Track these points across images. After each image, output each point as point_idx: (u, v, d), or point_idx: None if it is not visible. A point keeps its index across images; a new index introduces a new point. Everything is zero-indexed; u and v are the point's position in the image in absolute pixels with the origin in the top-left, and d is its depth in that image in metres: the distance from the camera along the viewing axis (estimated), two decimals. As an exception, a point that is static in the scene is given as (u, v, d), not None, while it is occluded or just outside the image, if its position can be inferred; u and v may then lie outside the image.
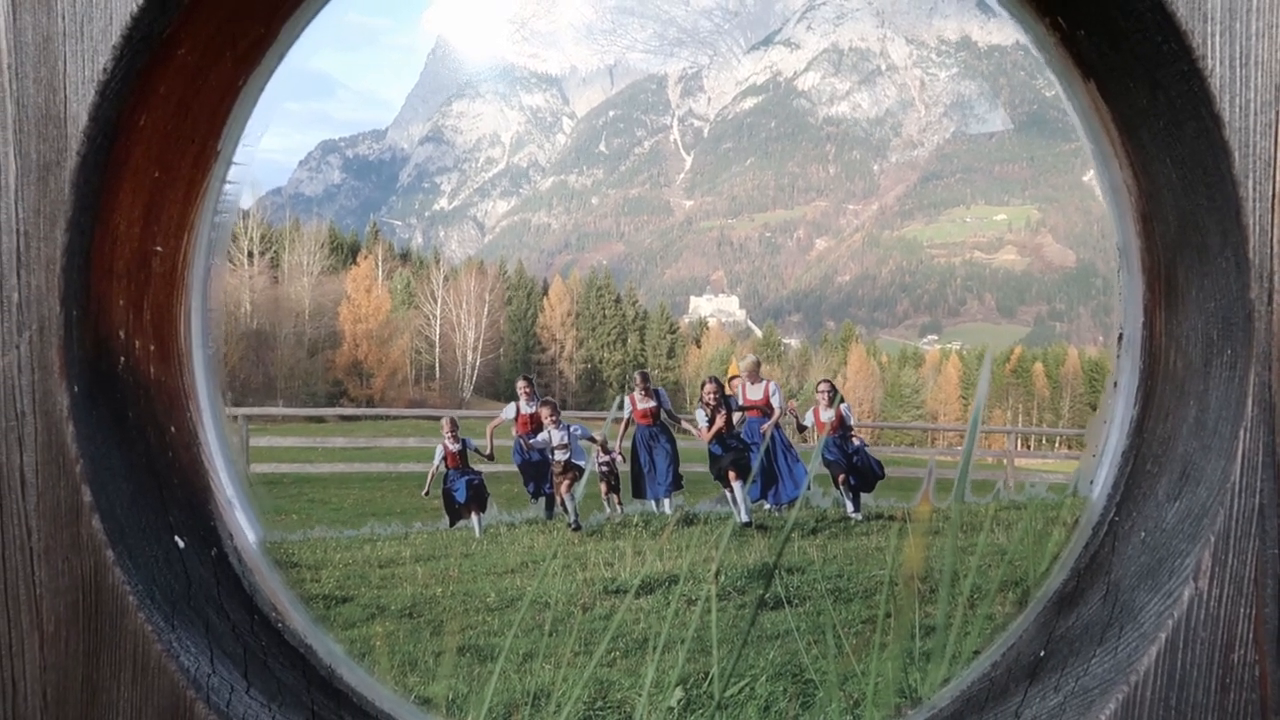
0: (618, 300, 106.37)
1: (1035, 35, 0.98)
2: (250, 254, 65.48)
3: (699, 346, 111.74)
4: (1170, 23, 0.80)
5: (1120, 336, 1.02)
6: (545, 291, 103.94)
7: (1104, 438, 1.03)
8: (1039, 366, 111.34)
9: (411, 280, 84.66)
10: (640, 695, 3.75)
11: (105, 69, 0.85)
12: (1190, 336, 0.90)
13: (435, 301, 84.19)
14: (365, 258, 78.02)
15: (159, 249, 1.00)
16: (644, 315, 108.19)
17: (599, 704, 3.81)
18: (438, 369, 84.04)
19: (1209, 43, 0.80)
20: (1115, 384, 1.03)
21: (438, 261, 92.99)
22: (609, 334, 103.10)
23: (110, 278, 0.94)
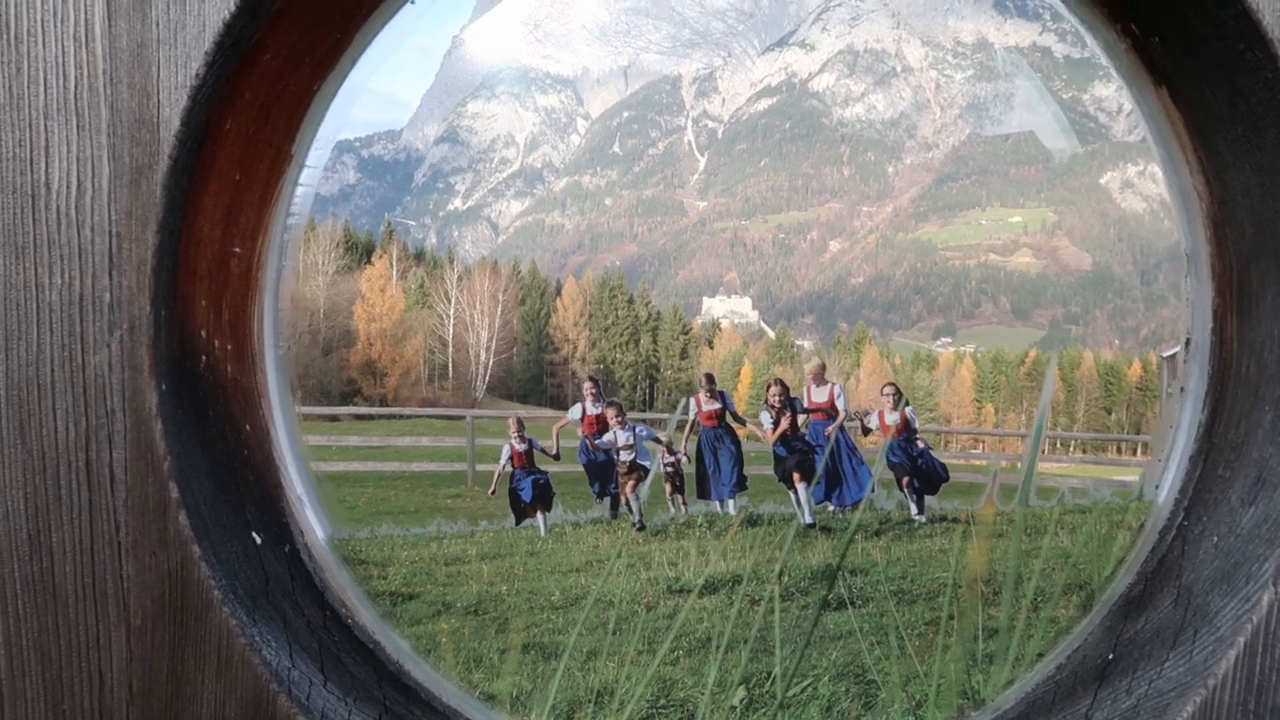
0: (631, 301, 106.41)
1: (1104, 41, 0.99)
2: (266, 253, 65.68)
3: (711, 348, 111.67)
4: (1255, 30, 0.80)
5: (1188, 342, 1.03)
6: (559, 292, 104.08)
7: (1170, 442, 1.03)
8: (1054, 370, 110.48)
9: (426, 280, 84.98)
10: (703, 694, 3.76)
11: (198, 74, 0.87)
12: (1266, 342, 0.90)
13: (449, 301, 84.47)
14: (380, 257, 78.38)
15: (237, 250, 1.01)
16: (657, 316, 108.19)
17: (662, 702, 3.82)
18: (451, 368, 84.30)
19: None
20: (1182, 389, 1.03)
21: (452, 261, 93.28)
22: (622, 334, 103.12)
23: (194, 278, 0.96)
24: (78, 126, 0.87)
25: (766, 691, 3.55)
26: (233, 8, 0.87)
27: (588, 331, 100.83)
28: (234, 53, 0.89)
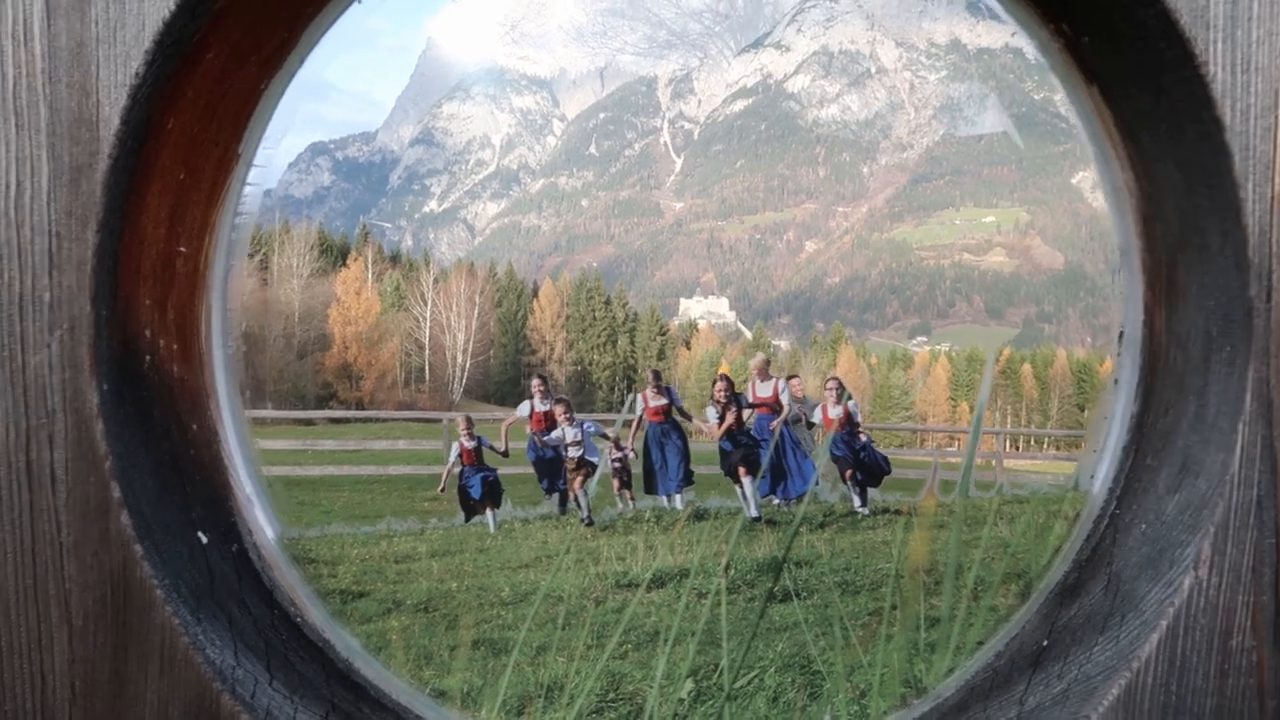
0: (608, 302, 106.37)
1: (1039, 40, 1.01)
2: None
3: (689, 348, 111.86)
4: (1174, 29, 0.83)
5: (1121, 335, 1.05)
6: (535, 293, 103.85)
7: (1104, 433, 1.05)
8: (1027, 368, 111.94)
9: (401, 282, 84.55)
10: (651, 687, 3.79)
11: (137, 73, 0.87)
12: (1190, 334, 0.93)
13: (425, 304, 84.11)
14: (355, 260, 77.82)
15: (183, 250, 1.01)
16: (634, 317, 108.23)
17: (611, 696, 3.84)
18: (427, 371, 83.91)
19: (1211, 49, 0.82)
20: (1116, 381, 1.05)
21: (428, 264, 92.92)
22: (599, 336, 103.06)
23: (137, 278, 0.95)
24: (16, 126, 0.87)
25: (714, 683, 3.59)
26: (173, 6, 0.87)
27: (565, 333, 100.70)
28: (175, 51, 0.89)
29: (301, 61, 1.07)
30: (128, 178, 0.90)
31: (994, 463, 26.37)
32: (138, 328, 0.96)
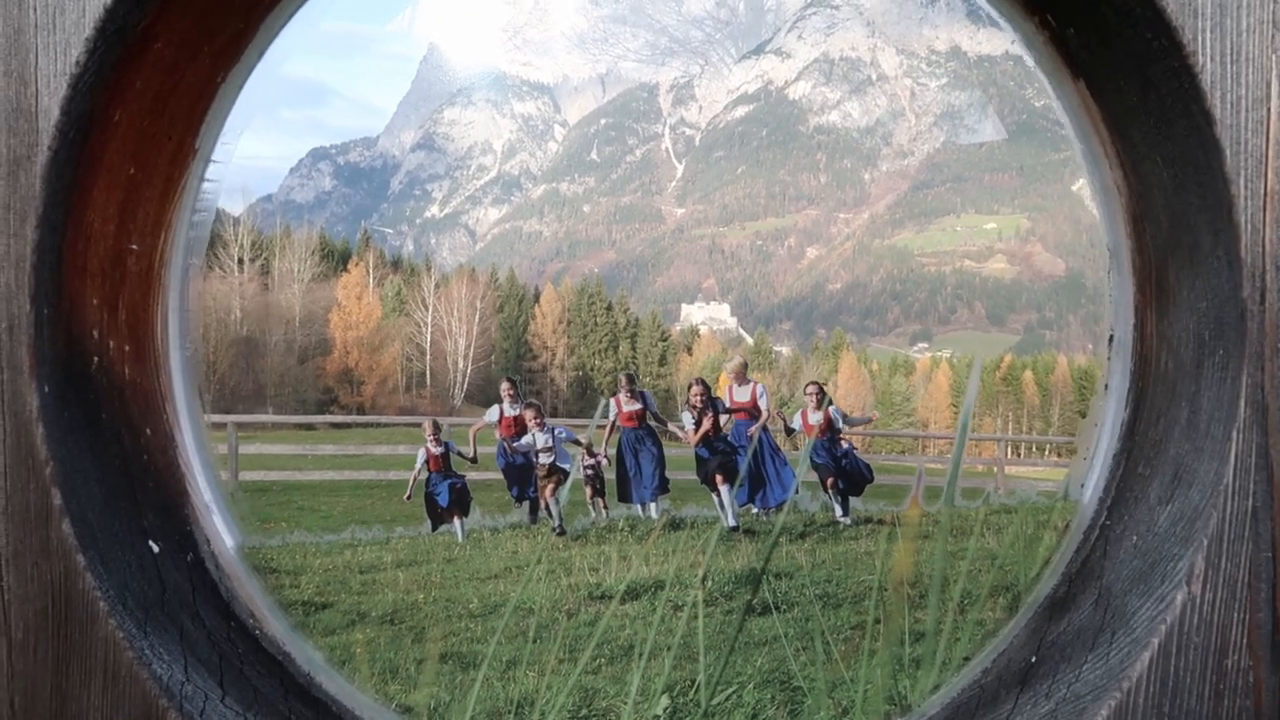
0: (609, 308, 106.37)
1: (1024, 34, 0.97)
2: (240, 261, 65.37)
3: (690, 354, 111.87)
4: (1161, 18, 0.79)
5: (1111, 339, 1.01)
6: (537, 299, 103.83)
7: (1094, 441, 1.02)
8: (1028, 374, 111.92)
9: (403, 287, 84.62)
10: (625, 703, 3.73)
11: (78, 62, 0.84)
12: (1182, 337, 0.89)
13: (426, 309, 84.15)
14: (356, 265, 77.88)
15: (135, 247, 0.98)
16: (635, 323, 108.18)
17: (583, 712, 3.78)
18: (429, 376, 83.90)
19: (1199, 39, 0.79)
20: (1106, 387, 1.01)
21: (429, 269, 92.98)
22: (600, 341, 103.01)
23: (83, 276, 0.92)
24: None
25: (690, 700, 3.51)
26: None
27: (566, 339, 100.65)
28: (118, 40, 0.85)
29: (260, 55, 1.03)
30: (71, 171, 0.87)
31: (995, 469, 26.30)
32: (84, 328, 0.93)
